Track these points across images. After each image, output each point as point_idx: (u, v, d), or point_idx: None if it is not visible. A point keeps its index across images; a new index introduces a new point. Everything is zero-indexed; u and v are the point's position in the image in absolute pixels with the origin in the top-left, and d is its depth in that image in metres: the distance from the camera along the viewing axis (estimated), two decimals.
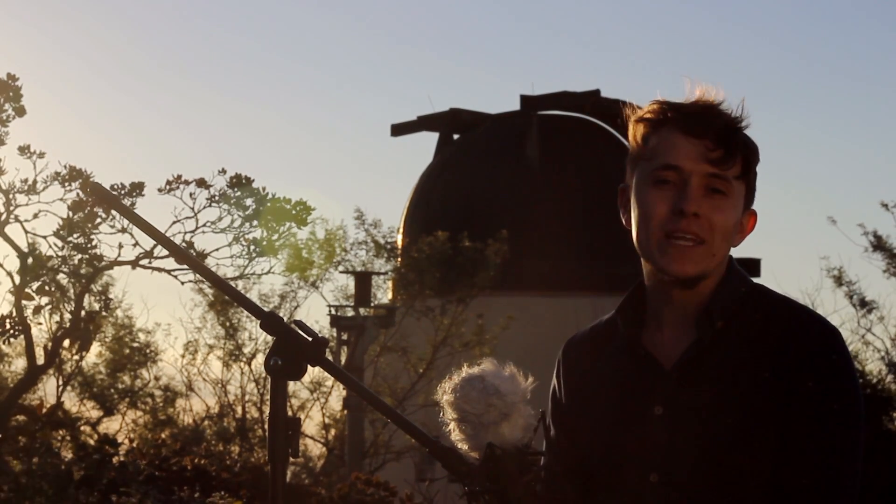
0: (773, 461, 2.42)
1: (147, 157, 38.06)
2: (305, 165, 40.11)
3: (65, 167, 7.28)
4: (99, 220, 7.28)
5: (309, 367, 2.26)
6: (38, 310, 7.56)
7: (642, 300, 2.61)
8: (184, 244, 7.39)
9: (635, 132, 2.56)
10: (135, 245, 7.42)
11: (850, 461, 2.42)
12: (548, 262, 24.22)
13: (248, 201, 7.48)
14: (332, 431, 21.77)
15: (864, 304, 17.43)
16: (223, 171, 7.47)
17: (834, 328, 2.50)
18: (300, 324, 2.29)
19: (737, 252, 2.65)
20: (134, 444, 9.03)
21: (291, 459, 2.24)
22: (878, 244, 17.04)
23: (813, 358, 2.44)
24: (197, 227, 7.48)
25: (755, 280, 2.62)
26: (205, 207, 7.48)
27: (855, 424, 2.44)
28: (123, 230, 7.32)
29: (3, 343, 7.44)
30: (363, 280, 20.61)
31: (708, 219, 2.48)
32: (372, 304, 20.76)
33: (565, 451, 2.60)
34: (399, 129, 27.44)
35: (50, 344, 8.26)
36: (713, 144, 2.49)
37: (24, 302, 7.43)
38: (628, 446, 2.52)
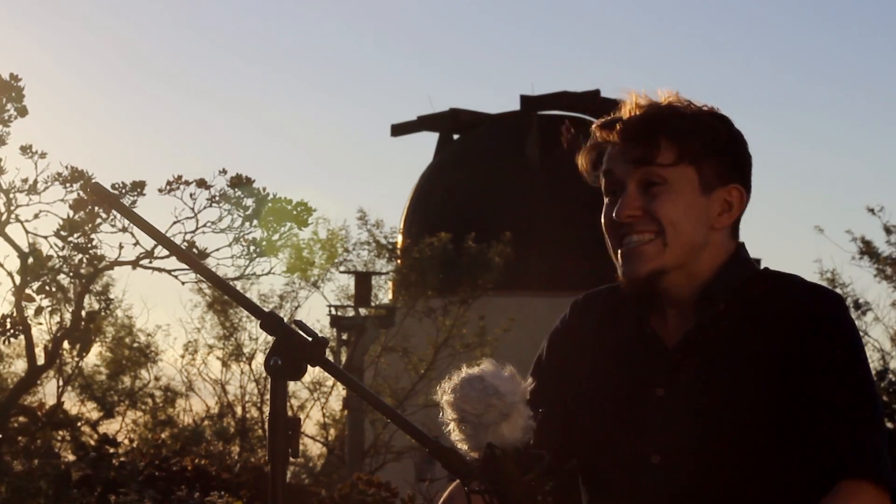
0: (777, 433, 2.42)
1: (147, 157, 38.09)
2: (306, 165, 40.15)
3: (66, 167, 7.27)
4: (100, 220, 7.27)
5: (309, 367, 2.26)
6: (38, 310, 7.55)
7: None
8: (185, 244, 7.37)
9: (584, 163, 2.62)
10: (135, 245, 7.41)
11: (870, 394, 2.41)
12: (548, 262, 24.19)
13: (248, 201, 7.46)
14: (332, 431, 21.77)
15: (859, 307, 17.41)
16: (223, 172, 7.46)
17: (833, 294, 2.50)
18: (300, 324, 2.28)
19: None
20: (134, 445, 9.02)
21: (291, 459, 2.23)
22: (867, 249, 16.98)
23: (808, 319, 2.44)
24: (197, 228, 7.47)
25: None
26: (205, 208, 7.47)
27: (861, 360, 2.43)
28: (124, 230, 7.31)
29: (3, 343, 7.42)
30: (364, 280, 20.59)
31: (648, 212, 2.50)
32: (372, 305, 20.74)
33: (553, 398, 2.61)
34: (399, 129, 27.44)
35: (50, 344, 8.25)
36: (628, 144, 2.52)
37: (24, 302, 7.42)
38: (630, 427, 2.53)
